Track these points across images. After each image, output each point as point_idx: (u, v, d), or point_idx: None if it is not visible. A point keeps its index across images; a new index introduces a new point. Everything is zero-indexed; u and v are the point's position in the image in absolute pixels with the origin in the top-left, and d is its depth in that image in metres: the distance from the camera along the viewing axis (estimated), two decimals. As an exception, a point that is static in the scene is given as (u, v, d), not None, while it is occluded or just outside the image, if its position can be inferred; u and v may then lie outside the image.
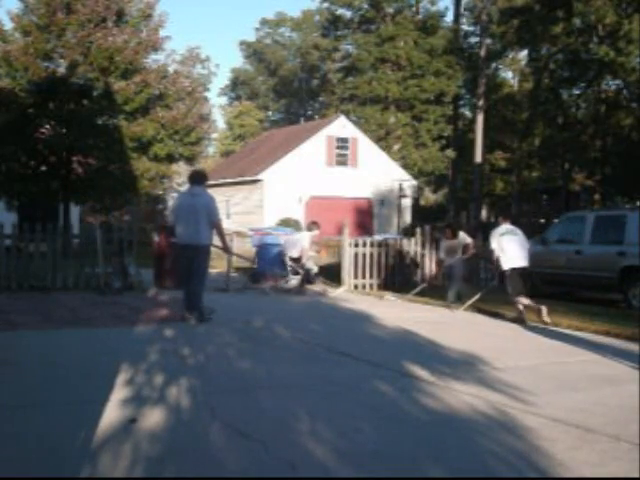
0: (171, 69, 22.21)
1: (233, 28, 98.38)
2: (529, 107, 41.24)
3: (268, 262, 13.44)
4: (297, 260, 12.94)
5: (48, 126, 20.35)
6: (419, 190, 45.26)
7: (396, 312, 10.02)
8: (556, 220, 17.80)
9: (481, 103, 40.07)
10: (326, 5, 44.40)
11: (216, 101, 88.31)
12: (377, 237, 17.84)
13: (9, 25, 20.20)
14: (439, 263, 12.12)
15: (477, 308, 10.18)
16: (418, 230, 14.39)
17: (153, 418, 4.37)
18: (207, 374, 5.67)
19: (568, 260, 12.20)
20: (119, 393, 4.94)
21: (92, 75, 19.71)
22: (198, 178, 8.66)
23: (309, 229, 13.61)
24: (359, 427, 4.28)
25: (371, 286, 13.40)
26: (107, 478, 3.46)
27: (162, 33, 21.85)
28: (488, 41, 42.12)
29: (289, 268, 12.88)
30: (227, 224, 20.36)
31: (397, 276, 13.82)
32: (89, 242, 12.08)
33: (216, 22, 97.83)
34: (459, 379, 5.60)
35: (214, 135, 38.94)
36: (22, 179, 19.72)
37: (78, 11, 19.70)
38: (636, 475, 3.58)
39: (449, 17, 44.72)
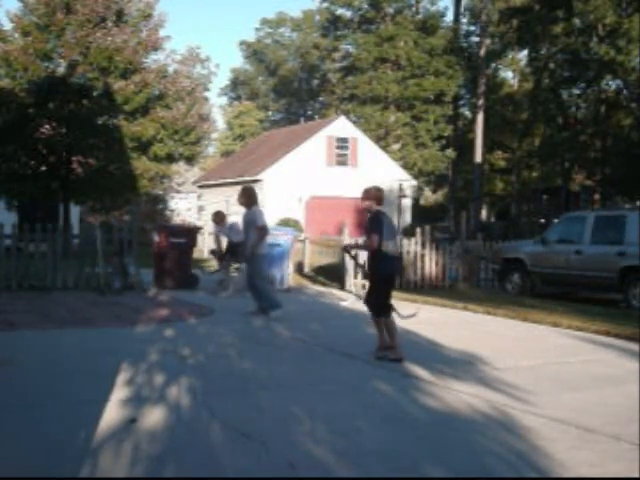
0: (171, 69, 22.26)
1: (233, 28, 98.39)
2: (529, 107, 41.20)
3: (268, 262, 13.37)
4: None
5: (48, 126, 20.36)
6: (419, 190, 45.23)
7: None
8: (556, 220, 17.79)
9: (481, 103, 40.03)
10: (326, 5, 44.37)
11: (216, 101, 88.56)
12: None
13: (9, 25, 20.24)
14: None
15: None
16: (418, 230, 14.38)
17: (153, 418, 4.36)
18: (207, 374, 5.66)
19: (568, 260, 12.20)
20: (119, 393, 4.94)
21: (92, 75, 19.72)
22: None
23: None
24: (359, 427, 4.28)
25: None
26: (107, 478, 3.46)
27: (162, 33, 21.94)
28: (488, 41, 42.09)
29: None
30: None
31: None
32: (89, 242, 12.07)
33: (216, 22, 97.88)
34: (459, 379, 5.60)
35: (214, 135, 38.87)
36: (22, 179, 19.72)
37: (78, 11, 19.72)
38: (636, 475, 3.57)
39: (449, 17, 44.77)
